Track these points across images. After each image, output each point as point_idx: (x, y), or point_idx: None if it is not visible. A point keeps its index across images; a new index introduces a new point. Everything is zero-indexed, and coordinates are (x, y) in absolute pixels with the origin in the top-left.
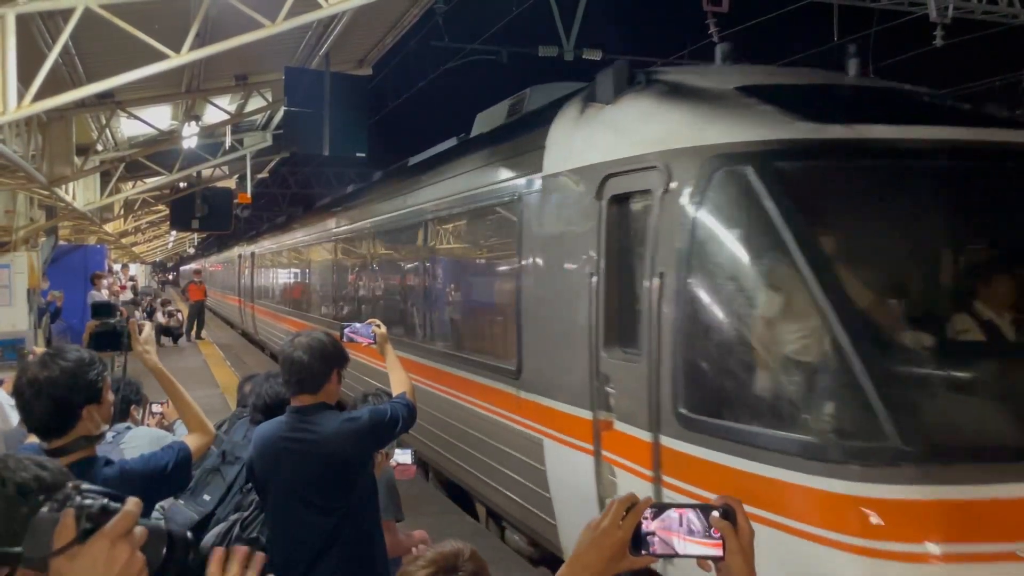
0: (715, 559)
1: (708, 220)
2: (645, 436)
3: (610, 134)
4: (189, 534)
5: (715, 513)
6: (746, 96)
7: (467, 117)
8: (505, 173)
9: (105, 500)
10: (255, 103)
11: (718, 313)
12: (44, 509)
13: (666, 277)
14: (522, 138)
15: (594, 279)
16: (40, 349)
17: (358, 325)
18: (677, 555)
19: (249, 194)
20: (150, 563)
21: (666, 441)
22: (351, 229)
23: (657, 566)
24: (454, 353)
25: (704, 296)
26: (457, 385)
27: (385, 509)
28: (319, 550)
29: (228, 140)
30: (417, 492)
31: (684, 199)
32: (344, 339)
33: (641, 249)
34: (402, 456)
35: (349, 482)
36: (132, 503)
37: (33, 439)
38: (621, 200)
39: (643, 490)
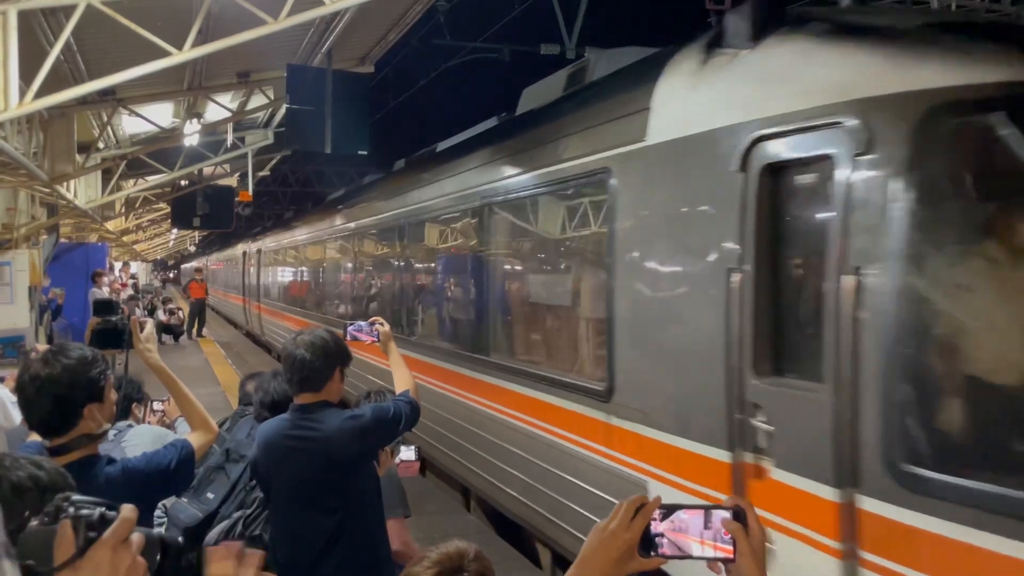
0: (725, 561)
1: (939, 191)
2: (829, 494)
3: (756, 85)
4: (180, 539)
5: (726, 514)
6: (949, 33)
7: (468, 115)
8: (587, 147)
9: (102, 508)
10: (257, 101)
11: (964, 326)
12: (34, 523)
13: (867, 276)
14: (612, 101)
15: (735, 277)
16: (43, 347)
17: (362, 323)
18: (687, 557)
19: (250, 192)
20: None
21: (869, 504)
22: (377, 221)
23: (667, 566)
24: (516, 366)
25: (938, 302)
26: (520, 404)
27: (395, 506)
28: (322, 548)
29: (230, 138)
30: (419, 490)
31: (894, 164)
32: (348, 337)
33: (818, 237)
34: (406, 453)
35: (352, 480)
36: (128, 509)
37: (35, 437)
38: (778, 170)
39: (825, 566)
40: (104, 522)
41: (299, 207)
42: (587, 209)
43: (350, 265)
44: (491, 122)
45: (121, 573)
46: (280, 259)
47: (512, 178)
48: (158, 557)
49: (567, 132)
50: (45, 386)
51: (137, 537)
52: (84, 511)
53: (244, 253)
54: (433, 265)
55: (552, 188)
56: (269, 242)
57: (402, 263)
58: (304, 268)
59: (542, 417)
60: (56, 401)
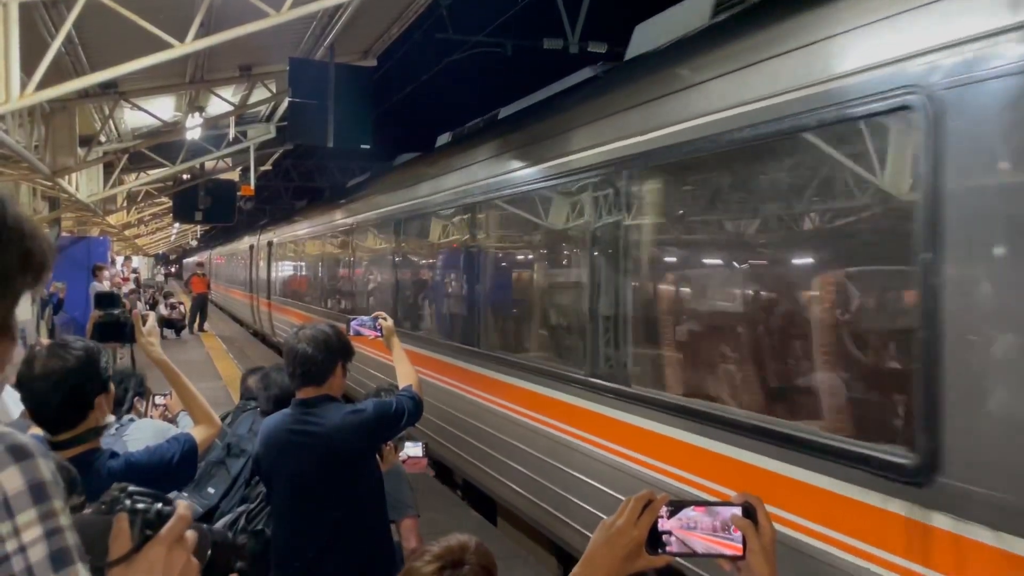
0: (734, 559)
1: None
2: None
3: None
4: (230, 535)
5: (736, 511)
6: None
7: (470, 110)
8: (847, 63)
9: (159, 504)
10: (259, 94)
11: None
12: (88, 511)
13: None
14: None
15: None
16: (46, 340)
17: (364, 318)
18: (695, 555)
19: (252, 187)
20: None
21: None
22: (434, 203)
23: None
24: (705, 410)
25: None
26: (727, 473)
27: (408, 505)
28: (324, 543)
29: (231, 132)
30: (422, 487)
31: None
32: (351, 332)
33: None
34: (413, 449)
35: (354, 475)
36: (184, 507)
37: (36, 430)
38: None
39: None
40: (161, 518)
41: (313, 196)
42: (847, 166)
43: (390, 257)
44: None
45: (176, 573)
46: (297, 252)
47: (680, 125)
48: (208, 553)
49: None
50: (62, 378)
51: (191, 535)
52: (141, 505)
53: (252, 246)
54: (530, 257)
55: (776, 132)
56: (283, 233)
57: (476, 254)
58: (327, 261)
59: (786, 501)
60: (72, 393)
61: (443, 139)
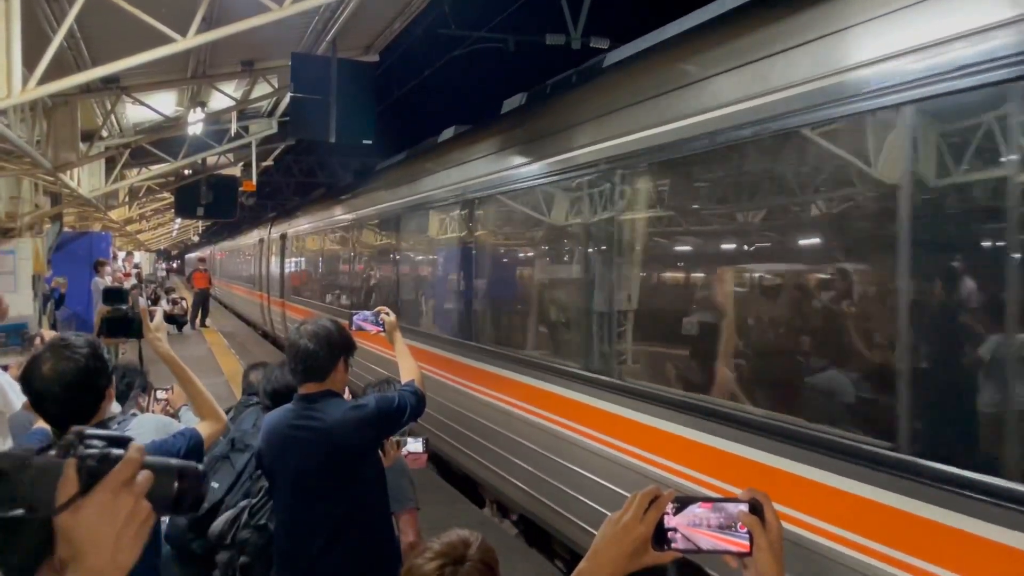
0: (741, 555)
1: None
2: None
3: None
4: (200, 466)
5: (743, 508)
6: None
7: (473, 106)
8: None
9: (107, 448)
10: (261, 89)
11: None
12: (38, 458)
13: None
14: None
15: None
16: (49, 333)
17: (367, 313)
18: (701, 551)
19: (254, 182)
20: (162, 500)
21: None
22: (492, 182)
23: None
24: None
25: None
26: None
27: (407, 499)
28: (326, 538)
29: (233, 127)
30: (424, 481)
31: None
32: (353, 327)
33: None
34: (414, 445)
35: (356, 470)
36: (134, 449)
37: (41, 424)
38: None
39: None
40: (107, 461)
41: (331, 184)
42: None
43: (455, 248)
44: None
45: (120, 519)
46: (319, 245)
47: None
48: (176, 485)
49: None
50: (75, 379)
51: (144, 477)
52: (91, 450)
53: (262, 240)
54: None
55: None
56: (299, 225)
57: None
58: (360, 255)
59: None
60: (85, 392)
61: (510, 102)
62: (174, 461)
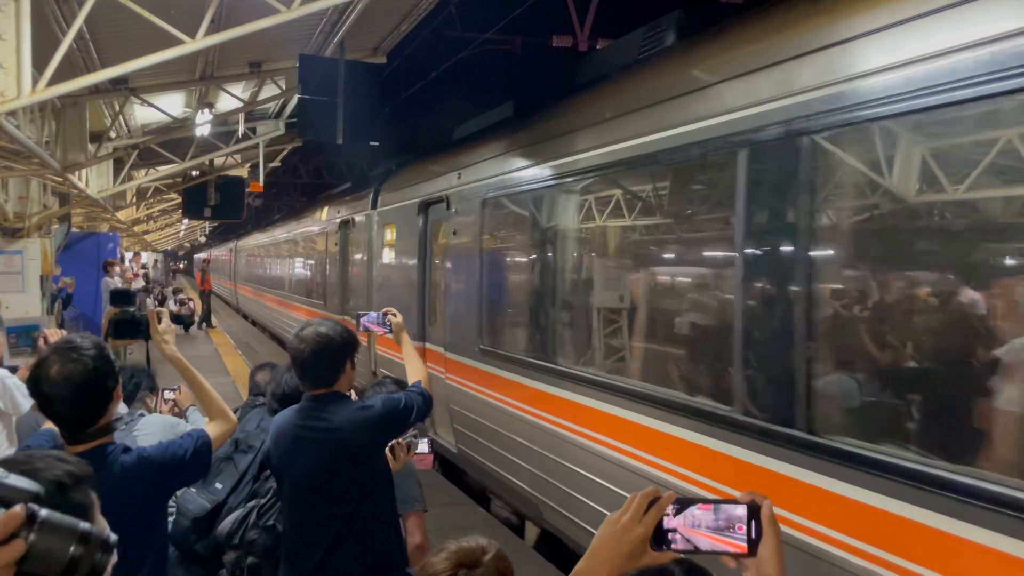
0: (739, 556)
1: None
2: None
3: None
4: (113, 537)
5: (741, 509)
6: None
7: (478, 107)
8: None
9: None
10: (268, 91)
11: None
12: None
13: None
14: None
15: None
16: (57, 332)
17: (373, 313)
18: (700, 552)
19: (261, 183)
20: (52, 557)
21: None
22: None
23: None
24: None
25: None
26: None
27: (415, 500)
28: (334, 539)
29: (241, 128)
30: (430, 482)
31: None
32: (360, 328)
33: None
34: (420, 446)
35: (363, 471)
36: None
37: (49, 425)
38: None
39: None
40: None
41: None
42: None
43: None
44: None
45: None
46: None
47: None
48: (72, 549)
49: None
50: (83, 381)
51: (8, 517)
52: None
53: (345, 222)
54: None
55: None
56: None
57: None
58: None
59: None
60: (94, 394)
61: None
62: (83, 524)
